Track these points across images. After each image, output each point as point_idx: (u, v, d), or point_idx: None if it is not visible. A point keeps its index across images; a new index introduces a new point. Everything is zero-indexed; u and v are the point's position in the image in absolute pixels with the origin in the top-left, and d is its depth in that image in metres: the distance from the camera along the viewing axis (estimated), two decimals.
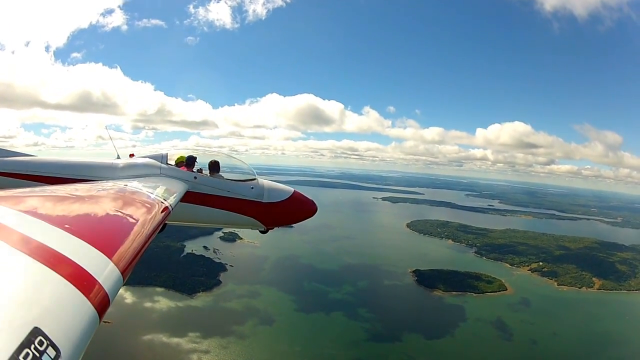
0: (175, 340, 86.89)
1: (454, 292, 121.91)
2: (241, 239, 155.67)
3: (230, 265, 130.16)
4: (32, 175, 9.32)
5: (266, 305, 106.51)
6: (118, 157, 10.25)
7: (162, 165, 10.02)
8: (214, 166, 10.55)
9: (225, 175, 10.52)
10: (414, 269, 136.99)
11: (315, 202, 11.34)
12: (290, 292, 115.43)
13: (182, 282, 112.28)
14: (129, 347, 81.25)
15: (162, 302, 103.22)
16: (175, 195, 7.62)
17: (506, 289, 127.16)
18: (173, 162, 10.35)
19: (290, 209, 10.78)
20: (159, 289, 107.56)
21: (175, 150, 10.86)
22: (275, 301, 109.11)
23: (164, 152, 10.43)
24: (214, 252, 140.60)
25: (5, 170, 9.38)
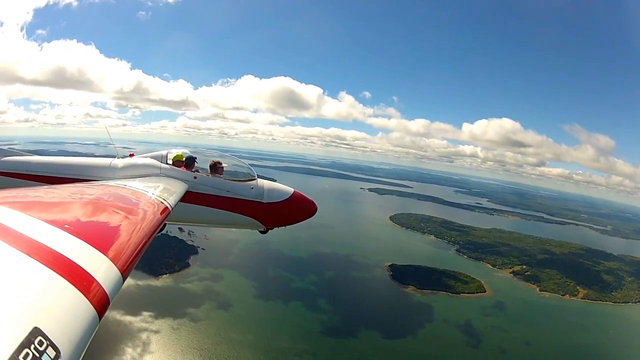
0: (128, 318, 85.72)
1: (427, 290, 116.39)
2: None
3: (202, 249, 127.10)
4: (32, 175, 9.34)
5: (226, 289, 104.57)
6: (118, 157, 10.19)
7: (162, 165, 9.94)
8: (214, 166, 10.49)
9: (225, 176, 10.44)
10: (390, 263, 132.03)
11: (315, 202, 11.33)
12: (253, 278, 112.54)
13: (150, 262, 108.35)
14: None
15: None
16: (175, 195, 7.64)
17: (485, 291, 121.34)
18: (172, 162, 10.21)
19: (290, 209, 10.77)
20: None
21: (175, 150, 10.71)
22: (236, 286, 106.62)
23: (163, 152, 10.39)
24: (189, 234, 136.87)
25: (5, 170, 9.41)
